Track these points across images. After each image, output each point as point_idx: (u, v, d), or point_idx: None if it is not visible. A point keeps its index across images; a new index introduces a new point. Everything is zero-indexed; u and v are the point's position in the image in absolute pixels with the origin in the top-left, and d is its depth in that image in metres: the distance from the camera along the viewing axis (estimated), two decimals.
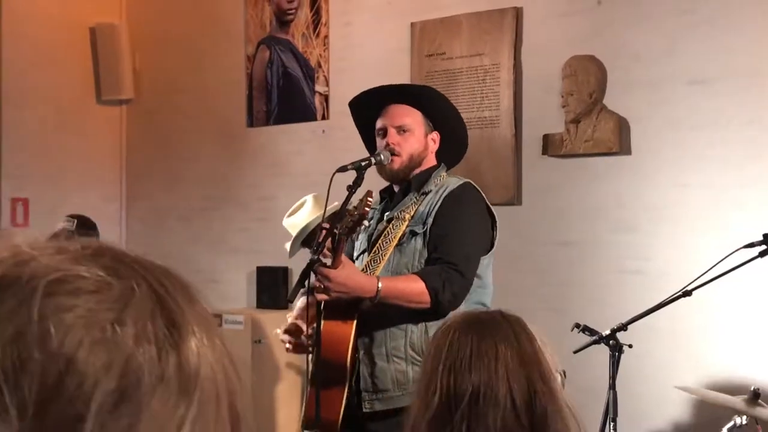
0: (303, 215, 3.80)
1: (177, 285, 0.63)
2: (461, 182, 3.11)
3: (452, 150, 3.23)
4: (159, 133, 5.97)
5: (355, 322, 2.95)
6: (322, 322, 2.94)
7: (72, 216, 4.58)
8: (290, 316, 3.17)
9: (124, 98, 6.05)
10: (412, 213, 3.06)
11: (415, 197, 3.10)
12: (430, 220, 3.02)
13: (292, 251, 3.88)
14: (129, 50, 5.94)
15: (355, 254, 3.20)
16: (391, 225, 3.07)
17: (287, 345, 3.12)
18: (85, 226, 4.51)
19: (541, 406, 1.63)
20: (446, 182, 3.12)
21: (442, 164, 3.19)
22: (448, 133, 3.21)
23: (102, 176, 6.04)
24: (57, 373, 0.55)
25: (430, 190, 3.09)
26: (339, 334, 2.94)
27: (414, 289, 2.91)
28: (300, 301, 3.15)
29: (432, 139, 3.17)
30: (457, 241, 2.98)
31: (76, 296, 0.58)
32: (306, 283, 2.86)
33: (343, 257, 2.87)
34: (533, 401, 1.63)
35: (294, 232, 3.80)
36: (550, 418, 1.63)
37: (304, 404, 3.07)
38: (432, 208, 3.04)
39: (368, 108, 3.21)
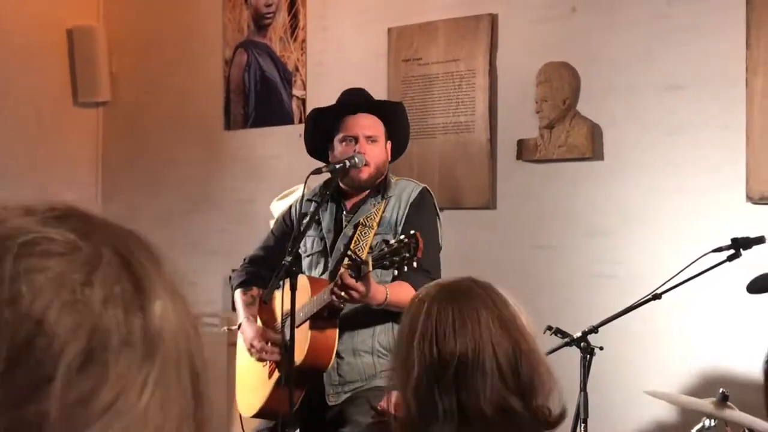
0: (290, 202, 3.88)
1: (143, 248, 0.65)
2: (420, 188, 3.23)
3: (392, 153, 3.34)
4: (136, 135, 5.97)
5: (337, 330, 3.03)
6: (310, 329, 3.01)
7: None
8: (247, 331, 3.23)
9: (101, 100, 6.05)
10: (377, 220, 3.14)
11: (377, 202, 3.17)
12: (400, 229, 3.09)
13: None
14: (106, 52, 5.94)
15: (304, 252, 3.24)
16: (359, 232, 3.13)
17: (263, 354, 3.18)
18: None
19: (526, 366, 1.67)
20: (404, 186, 3.22)
21: (388, 168, 3.29)
22: (395, 145, 3.32)
23: (78, 178, 6.02)
24: (27, 333, 0.56)
25: (391, 196, 3.18)
26: (325, 341, 3.01)
27: (408, 297, 2.97)
28: (241, 302, 3.28)
29: (387, 149, 3.27)
30: (426, 249, 3.04)
31: (47, 258, 0.58)
32: (282, 284, 2.91)
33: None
34: (518, 362, 1.67)
35: (275, 215, 3.91)
36: (535, 378, 1.67)
37: (264, 397, 3.16)
38: (400, 216, 3.14)
39: (328, 115, 3.27)
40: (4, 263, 0.57)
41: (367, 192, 3.21)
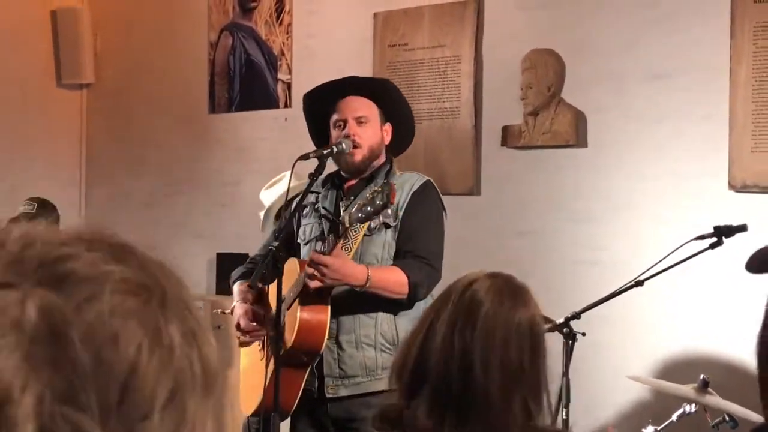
0: (279, 191, 3.87)
1: (182, 283, 0.66)
2: (424, 180, 3.18)
3: (399, 141, 3.27)
4: (120, 117, 5.94)
5: (329, 308, 2.97)
6: (299, 309, 2.95)
7: (32, 199, 4.55)
8: (236, 308, 3.19)
9: (85, 82, 6.02)
10: None
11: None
12: (401, 214, 3.06)
13: (263, 226, 3.95)
14: (90, 34, 5.91)
15: (303, 240, 3.20)
16: None
17: (245, 338, 3.15)
18: (45, 208, 4.49)
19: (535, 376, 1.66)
20: (407, 177, 3.17)
21: (391, 157, 3.24)
22: (398, 126, 3.24)
23: (61, 160, 6.00)
24: (125, 374, 0.58)
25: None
26: (315, 321, 2.95)
27: (398, 280, 2.97)
28: (238, 291, 3.21)
29: (385, 130, 3.21)
30: (427, 237, 3.04)
31: (130, 297, 0.60)
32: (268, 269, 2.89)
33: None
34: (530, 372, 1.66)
35: (267, 205, 3.90)
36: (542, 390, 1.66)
37: (262, 391, 3.07)
38: (402, 202, 3.07)
39: (321, 100, 3.22)
40: (101, 302, 0.58)
41: (366, 176, 3.16)
